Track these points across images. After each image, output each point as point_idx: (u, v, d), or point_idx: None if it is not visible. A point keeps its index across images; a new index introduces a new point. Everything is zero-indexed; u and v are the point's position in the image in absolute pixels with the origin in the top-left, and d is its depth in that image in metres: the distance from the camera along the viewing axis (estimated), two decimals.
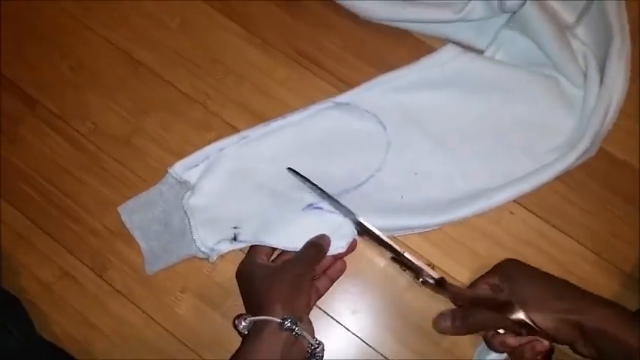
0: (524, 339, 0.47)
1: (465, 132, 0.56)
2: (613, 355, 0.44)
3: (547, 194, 0.56)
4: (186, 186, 0.55)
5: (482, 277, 0.51)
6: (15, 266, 0.57)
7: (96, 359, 0.54)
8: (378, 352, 0.53)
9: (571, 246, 0.55)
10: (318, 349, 0.47)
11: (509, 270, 0.50)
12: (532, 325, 0.45)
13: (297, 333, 0.45)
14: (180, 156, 0.58)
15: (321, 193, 0.53)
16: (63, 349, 0.54)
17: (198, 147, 0.58)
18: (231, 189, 0.55)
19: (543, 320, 0.45)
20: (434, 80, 0.56)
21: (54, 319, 0.55)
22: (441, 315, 0.50)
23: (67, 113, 0.60)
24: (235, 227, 0.54)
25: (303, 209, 0.54)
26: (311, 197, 0.54)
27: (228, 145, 0.55)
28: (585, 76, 0.56)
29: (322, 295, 0.53)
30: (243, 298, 0.52)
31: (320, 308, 0.55)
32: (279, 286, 0.48)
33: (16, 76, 0.62)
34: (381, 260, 0.55)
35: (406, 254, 0.51)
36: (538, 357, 0.47)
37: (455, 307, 0.52)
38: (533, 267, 0.50)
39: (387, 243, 0.51)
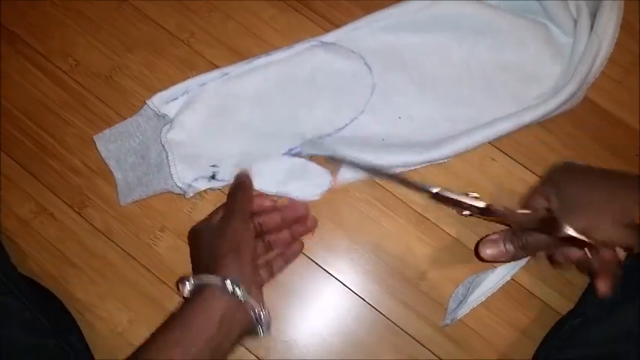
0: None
1: (451, 76, 0.55)
2: None
3: (533, 144, 0.56)
4: (164, 120, 0.54)
5: (535, 189, 0.47)
6: None
7: (73, 296, 0.54)
8: (358, 295, 0.53)
9: None
10: (263, 314, 0.43)
11: (557, 177, 0.45)
12: (585, 240, 0.40)
13: (237, 296, 0.41)
14: None
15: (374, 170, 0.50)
16: (40, 283, 0.54)
17: None
18: (212, 126, 0.54)
19: (597, 228, 0.40)
20: (422, 22, 0.55)
21: (31, 256, 0.55)
22: (489, 240, 0.45)
23: (49, 50, 0.59)
24: (214, 165, 0.54)
25: (283, 154, 0.53)
26: (291, 141, 0.54)
27: (210, 80, 0.54)
28: (576, 23, 0.55)
29: (275, 276, 0.52)
30: (191, 261, 0.50)
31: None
32: (219, 245, 0.44)
33: None
34: (361, 205, 0.55)
35: (442, 192, 0.46)
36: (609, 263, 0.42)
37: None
38: (584, 166, 0.45)
39: (420, 187, 0.47)
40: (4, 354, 0.46)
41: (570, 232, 0.40)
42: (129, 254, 0.54)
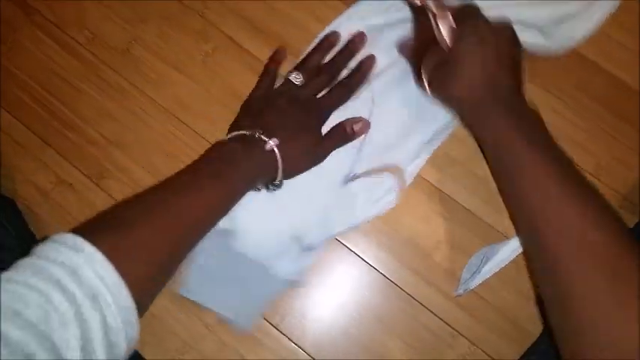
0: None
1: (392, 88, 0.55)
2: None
3: (546, 113, 0.55)
4: (223, 235, 0.52)
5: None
6: (12, 173, 0.57)
7: None
8: (372, 266, 0.54)
9: None
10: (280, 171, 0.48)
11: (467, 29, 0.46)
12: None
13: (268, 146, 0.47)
14: (178, 68, 0.57)
15: None
16: None
17: (195, 58, 0.57)
18: (267, 207, 0.52)
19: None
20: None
21: (50, 225, 0.56)
22: None
23: (65, 22, 0.59)
24: (297, 237, 0.52)
25: (343, 184, 0.53)
26: (341, 164, 0.53)
27: None
28: None
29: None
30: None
31: None
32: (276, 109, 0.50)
33: None
34: None
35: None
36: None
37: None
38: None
39: None
40: None
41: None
42: None
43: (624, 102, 0.56)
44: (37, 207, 0.56)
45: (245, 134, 0.48)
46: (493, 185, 0.54)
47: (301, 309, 0.53)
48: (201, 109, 0.57)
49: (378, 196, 0.53)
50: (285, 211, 0.52)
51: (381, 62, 0.55)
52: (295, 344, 0.53)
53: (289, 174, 0.50)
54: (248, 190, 0.48)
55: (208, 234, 0.46)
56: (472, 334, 0.52)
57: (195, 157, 0.49)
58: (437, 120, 0.54)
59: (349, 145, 0.53)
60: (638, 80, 0.56)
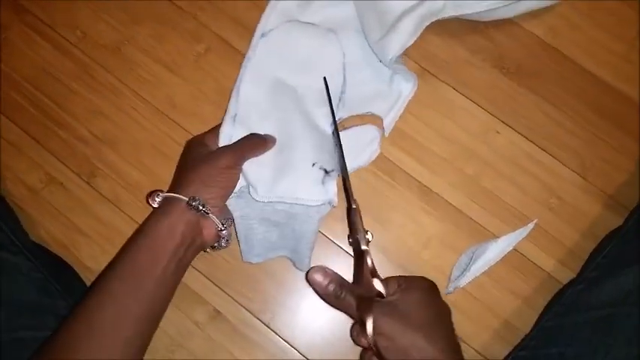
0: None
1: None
2: None
3: (537, 117, 0.57)
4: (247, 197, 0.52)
5: (400, 278, 0.47)
6: (2, 172, 0.56)
7: (83, 264, 0.55)
8: None
9: (558, 168, 0.56)
10: (224, 232, 0.48)
11: (411, 297, 0.44)
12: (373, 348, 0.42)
13: (204, 212, 0.46)
14: (170, 68, 0.58)
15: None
16: (53, 252, 0.54)
17: (187, 58, 0.58)
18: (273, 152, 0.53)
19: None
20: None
21: (41, 224, 0.55)
22: (322, 269, 0.45)
23: (56, 21, 0.59)
24: (314, 163, 0.52)
25: (332, 132, 0.54)
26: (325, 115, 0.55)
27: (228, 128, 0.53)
28: None
29: None
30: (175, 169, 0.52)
31: None
32: (204, 171, 0.47)
33: None
34: (367, 177, 0.56)
35: (355, 212, 0.47)
36: None
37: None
38: (436, 307, 0.45)
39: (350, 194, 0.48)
40: (14, 310, 0.47)
41: (369, 327, 0.41)
42: (138, 223, 0.55)
43: (609, 103, 0.57)
44: (27, 205, 0.56)
45: (199, 210, 0.46)
46: (482, 184, 0.55)
47: (292, 307, 0.53)
48: (192, 108, 0.57)
49: (363, 145, 0.54)
50: (294, 150, 0.53)
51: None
52: (286, 342, 0.53)
53: (224, 199, 0.49)
54: (193, 255, 0.48)
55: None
56: (462, 332, 0.52)
57: None
58: (406, 75, 0.56)
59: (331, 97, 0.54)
60: (624, 82, 0.57)
